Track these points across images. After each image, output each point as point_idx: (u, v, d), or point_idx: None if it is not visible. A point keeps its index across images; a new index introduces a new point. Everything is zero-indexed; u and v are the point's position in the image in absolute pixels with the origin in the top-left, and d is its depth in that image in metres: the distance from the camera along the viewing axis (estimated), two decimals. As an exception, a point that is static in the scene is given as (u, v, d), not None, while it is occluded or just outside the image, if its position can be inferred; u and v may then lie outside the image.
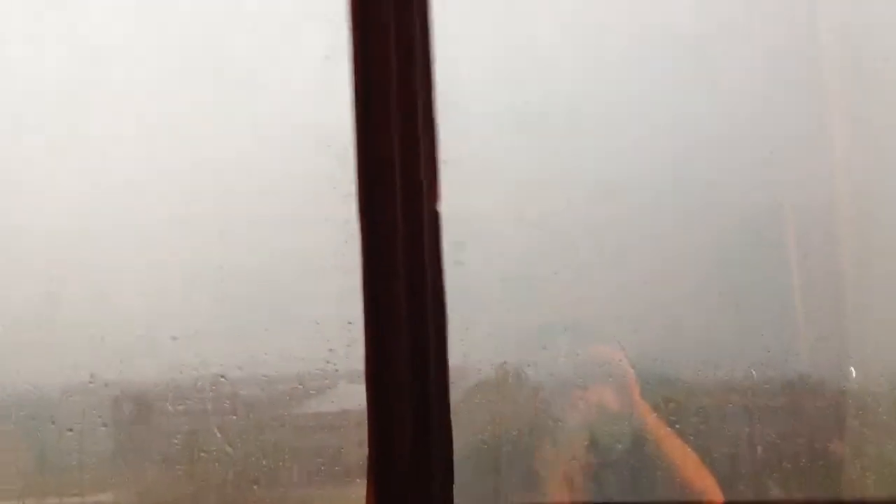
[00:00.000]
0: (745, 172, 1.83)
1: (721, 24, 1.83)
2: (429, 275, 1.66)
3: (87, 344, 1.77)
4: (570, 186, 1.82)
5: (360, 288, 1.66)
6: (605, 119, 1.82)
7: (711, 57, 1.84)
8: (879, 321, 1.79)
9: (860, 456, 1.78)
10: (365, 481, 1.68)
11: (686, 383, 1.79)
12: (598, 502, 1.79)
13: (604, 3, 1.82)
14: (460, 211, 1.74)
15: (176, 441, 1.79)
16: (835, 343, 1.80)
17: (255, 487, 1.78)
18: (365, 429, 1.70)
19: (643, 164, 1.82)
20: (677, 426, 1.79)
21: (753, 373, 1.78)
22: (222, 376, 1.78)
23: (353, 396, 1.76)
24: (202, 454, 1.79)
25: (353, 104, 1.66)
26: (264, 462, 1.79)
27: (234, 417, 1.79)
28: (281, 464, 1.79)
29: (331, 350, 1.76)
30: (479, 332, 1.77)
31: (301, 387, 1.79)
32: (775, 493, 1.78)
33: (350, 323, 1.71)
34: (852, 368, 1.78)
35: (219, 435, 1.79)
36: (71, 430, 1.78)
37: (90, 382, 1.78)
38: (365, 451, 1.69)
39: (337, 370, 1.77)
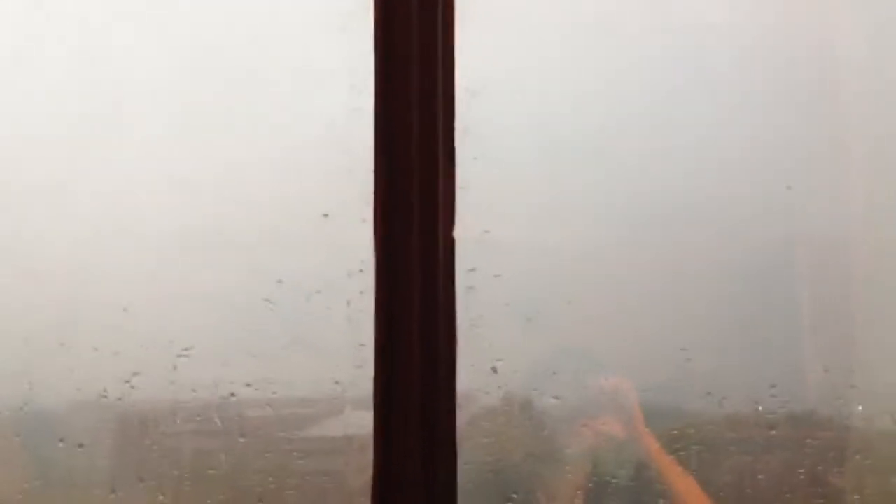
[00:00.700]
0: (757, 204, 1.84)
1: (740, 58, 1.85)
2: (441, 300, 1.67)
3: (98, 360, 1.77)
4: (581, 213, 1.83)
5: (372, 312, 1.66)
6: (621, 146, 1.83)
7: (731, 87, 1.85)
8: (888, 358, 1.80)
9: (863, 491, 1.79)
10: (364, 505, 1.68)
11: (691, 415, 1.80)
12: (601, 531, 1.79)
13: (626, 30, 1.83)
14: (472, 236, 1.75)
15: (181, 460, 1.79)
16: (842, 378, 1.80)
17: (258, 509, 1.78)
18: (367, 454, 1.70)
19: (656, 192, 1.83)
20: (681, 456, 1.79)
21: (759, 406, 1.79)
22: (231, 395, 1.77)
23: (358, 421, 1.76)
24: (207, 473, 1.78)
25: (374, 129, 1.67)
26: (269, 484, 1.78)
27: (242, 439, 1.78)
28: (284, 487, 1.79)
29: (338, 375, 1.76)
30: (486, 358, 1.77)
31: (308, 410, 1.79)
32: (777, 526, 1.79)
33: (361, 346, 1.71)
34: (860, 407, 1.79)
35: (223, 456, 1.78)
36: (81, 445, 1.77)
37: (101, 398, 1.77)
38: (366, 476, 1.69)
39: (343, 395, 1.77)
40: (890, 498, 1.80)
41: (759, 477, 1.78)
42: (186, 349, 1.78)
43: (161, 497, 1.78)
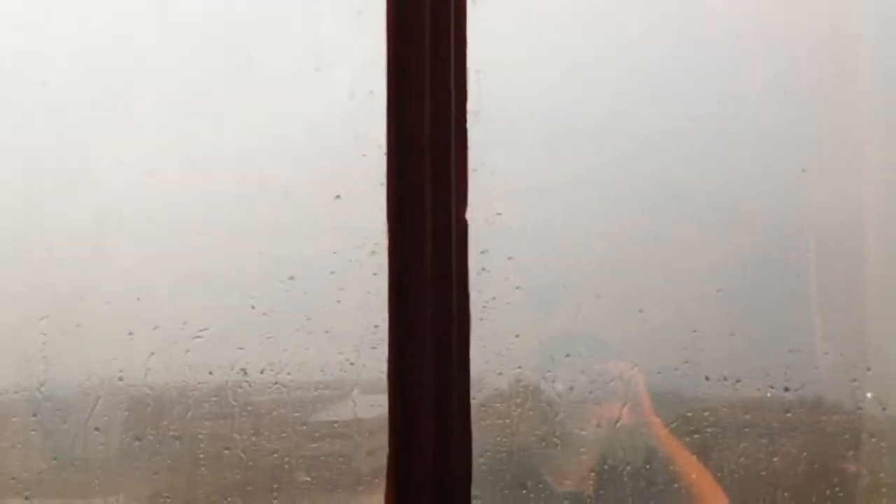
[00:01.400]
0: (769, 188, 1.84)
1: (751, 42, 1.85)
2: (454, 282, 1.67)
3: (113, 343, 1.78)
4: (594, 197, 1.83)
5: (385, 295, 1.66)
6: (633, 130, 1.83)
7: (742, 72, 1.85)
8: (900, 343, 1.80)
9: (875, 477, 1.79)
10: (377, 490, 1.68)
11: (701, 400, 1.80)
12: (611, 517, 1.80)
13: (635, 14, 1.83)
14: (484, 219, 1.76)
15: (192, 444, 1.79)
16: (855, 362, 1.80)
17: (270, 493, 1.78)
18: (377, 438, 1.71)
19: (669, 176, 1.83)
20: (695, 440, 1.79)
21: (769, 391, 1.79)
22: (245, 377, 1.78)
23: (372, 404, 1.76)
24: (222, 454, 1.79)
25: (387, 114, 1.68)
26: (282, 467, 1.79)
27: (256, 420, 1.79)
28: (296, 469, 1.80)
29: (350, 358, 1.77)
30: (497, 342, 1.77)
31: (321, 392, 1.79)
32: (788, 511, 1.79)
33: (374, 330, 1.72)
34: (868, 394, 1.79)
35: (237, 437, 1.79)
36: (97, 428, 1.79)
37: (117, 380, 1.78)
38: (376, 460, 1.70)
39: (357, 377, 1.77)
40: (903, 481, 1.80)
41: (773, 460, 1.78)
42: (200, 332, 1.79)
43: (175, 478, 1.79)
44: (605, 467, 1.80)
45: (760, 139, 1.85)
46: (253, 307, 1.79)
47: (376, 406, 1.72)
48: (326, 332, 1.78)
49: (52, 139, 1.85)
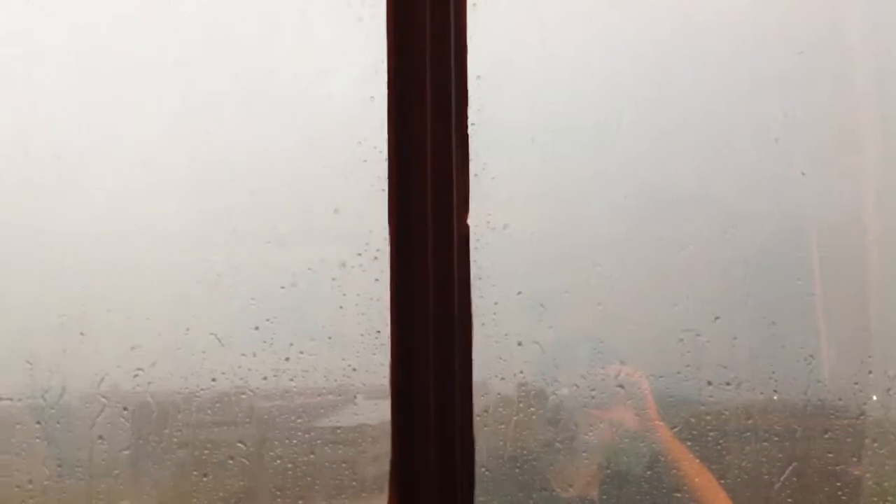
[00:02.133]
0: (769, 192, 1.84)
1: (751, 45, 1.85)
2: (456, 288, 1.67)
3: (116, 350, 1.78)
4: (596, 201, 1.84)
5: (387, 302, 1.67)
6: (634, 134, 1.83)
7: (740, 75, 1.85)
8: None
9: (879, 480, 1.78)
10: (381, 496, 1.69)
11: (703, 404, 1.80)
12: (615, 521, 1.79)
13: (635, 19, 1.84)
14: (486, 224, 1.76)
15: (195, 451, 1.80)
16: (856, 367, 1.80)
17: (274, 500, 1.78)
18: (380, 444, 1.71)
19: (670, 180, 1.84)
20: (698, 444, 1.79)
21: (772, 395, 1.78)
22: (248, 384, 1.79)
23: (374, 410, 1.77)
24: (226, 462, 1.79)
25: (388, 120, 1.68)
26: (286, 474, 1.79)
27: (259, 427, 1.79)
28: (300, 476, 1.80)
29: (353, 364, 1.77)
30: (499, 348, 1.77)
31: (323, 399, 1.80)
32: (793, 515, 1.78)
33: (376, 335, 1.72)
34: (873, 397, 1.78)
35: (241, 445, 1.79)
36: (101, 437, 1.79)
37: (120, 388, 1.79)
38: (380, 466, 1.70)
39: (359, 383, 1.77)
40: (907, 484, 1.79)
41: (777, 464, 1.78)
42: (204, 339, 1.79)
43: (179, 485, 1.80)
44: (610, 472, 1.80)
45: (760, 144, 1.85)
46: (256, 314, 1.80)
47: (379, 412, 1.72)
48: (329, 338, 1.78)
49: (48, 143, 1.85)
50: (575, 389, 1.80)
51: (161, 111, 1.84)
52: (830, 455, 1.78)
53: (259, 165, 1.81)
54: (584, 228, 1.82)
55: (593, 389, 1.80)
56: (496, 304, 1.77)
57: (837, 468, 1.78)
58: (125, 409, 1.80)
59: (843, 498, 1.78)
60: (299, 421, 1.80)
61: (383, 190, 1.69)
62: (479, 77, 1.74)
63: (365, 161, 1.75)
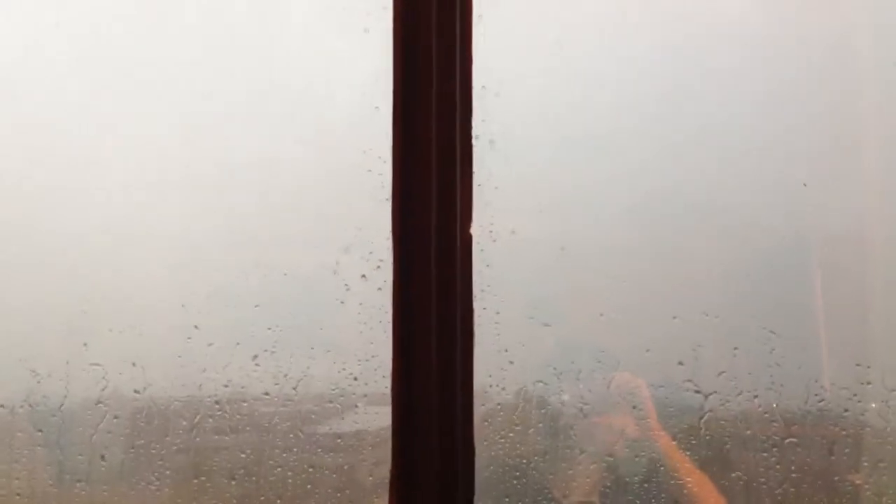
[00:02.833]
0: (770, 201, 1.85)
1: (756, 57, 1.86)
2: (458, 297, 1.68)
3: (117, 357, 1.78)
4: (598, 210, 1.84)
5: (390, 310, 1.67)
6: (635, 144, 1.84)
7: (745, 86, 1.86)
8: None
9: (878, 489, 1.79)
10: (381, 502, 1.69)
11: (703, 413, 1.80)
12: (615, 528, 1.80)
13: (640, 29, 1.84)
14: (489, 233, 1.77)
15: (196, 458, 1.80)
16: (856, 376, 1.81)
17: (274, 505, 1.79)
18: (381, 450, 1.71)
19: (671, 189, 1.84)
20: (693, 456, 1.80)
21: (772, 404, 1.79)
22: (248, 394, 1.79)
23: (375, 417, 1.77)
24: (226, 469, 1.79)
25: (392, 129, 1.69)
26: (287, 480, 1.79)
27: (258, 434, 1.79)
28: (301, 482, 1.80)
29: (354, 372, 1.77)
30: (501, 356, 1.78)
31: (325, 406, 1.80)
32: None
33: (378, 343, 1.72)
34: (872, 404, 1.79)
35: (242, 452, 1.79)
36: (103, 443, 1.79)
37: (120, 395, 1.79)
38: (381, 472, 1.70)
39: (361, 391, 1.78)
40: (906, 494, 1.80)
41: (776, 473, 1.79)
42: (205, 346, 1.79)
43: (180, 492, 1.79)
44: (611, 480, 1.80)
45: (762, 154, 1.86)
46: (258, 321, 1.80)
47: (381, 419, 1.72)
48: (331, 345, 1.79)
49: (54, 145, 1.85)
50: (577, 397, 1.80)
51: (165, 119, 1.84)
52: (830, 464, 1.79)
53: (263, 174, 1.82)
54: (586, 238, 1.83)
55: (594, 398, 1.81)
56: (498, 312, 1.77)
57: (836, 478, 1.79)
58: (126, 415, 1.80)
59: (842, 506, 1.79)
60: (301, 427, 1.80)
61: (387, 199, 1.69)
62: (483, 87, 1.74)
63: (369, 170, 1.75)
